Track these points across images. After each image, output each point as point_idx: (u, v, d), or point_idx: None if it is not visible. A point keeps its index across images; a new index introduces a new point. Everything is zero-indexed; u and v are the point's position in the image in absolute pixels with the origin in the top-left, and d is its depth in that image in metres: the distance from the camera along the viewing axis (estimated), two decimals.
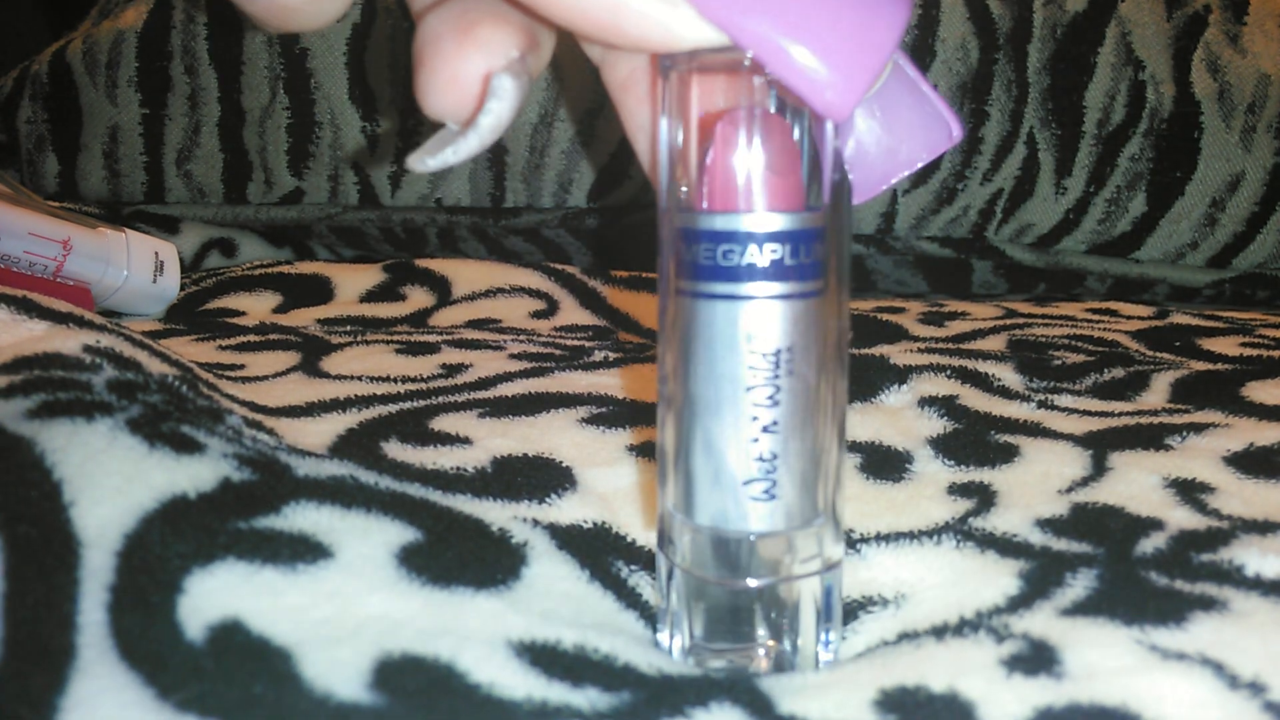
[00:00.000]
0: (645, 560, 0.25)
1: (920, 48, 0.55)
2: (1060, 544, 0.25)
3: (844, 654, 0.23)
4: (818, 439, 0.20)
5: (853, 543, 0.26)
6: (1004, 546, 0.25)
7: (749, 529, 0.20)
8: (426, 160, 0.20)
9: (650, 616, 0.24)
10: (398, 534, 0.23)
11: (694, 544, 0.21)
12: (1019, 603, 0.23)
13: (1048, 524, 0.26)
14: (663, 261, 0.21)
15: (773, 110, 0.20)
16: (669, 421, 0.21)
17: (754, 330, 0.19)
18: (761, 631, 0.21)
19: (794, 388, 0.20)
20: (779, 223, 0.19)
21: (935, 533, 0.26)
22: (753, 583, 0.21)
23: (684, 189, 0.20)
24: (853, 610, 0.24)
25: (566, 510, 0.26)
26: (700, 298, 0.20)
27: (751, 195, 0.19)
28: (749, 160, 0.19)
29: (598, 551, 0.25)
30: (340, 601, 0.21)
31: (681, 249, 0.20)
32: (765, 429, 0.20)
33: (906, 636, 0.22)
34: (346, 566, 0.22)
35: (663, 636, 0.22)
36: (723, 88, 0.20)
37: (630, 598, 0.24)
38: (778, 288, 0.19)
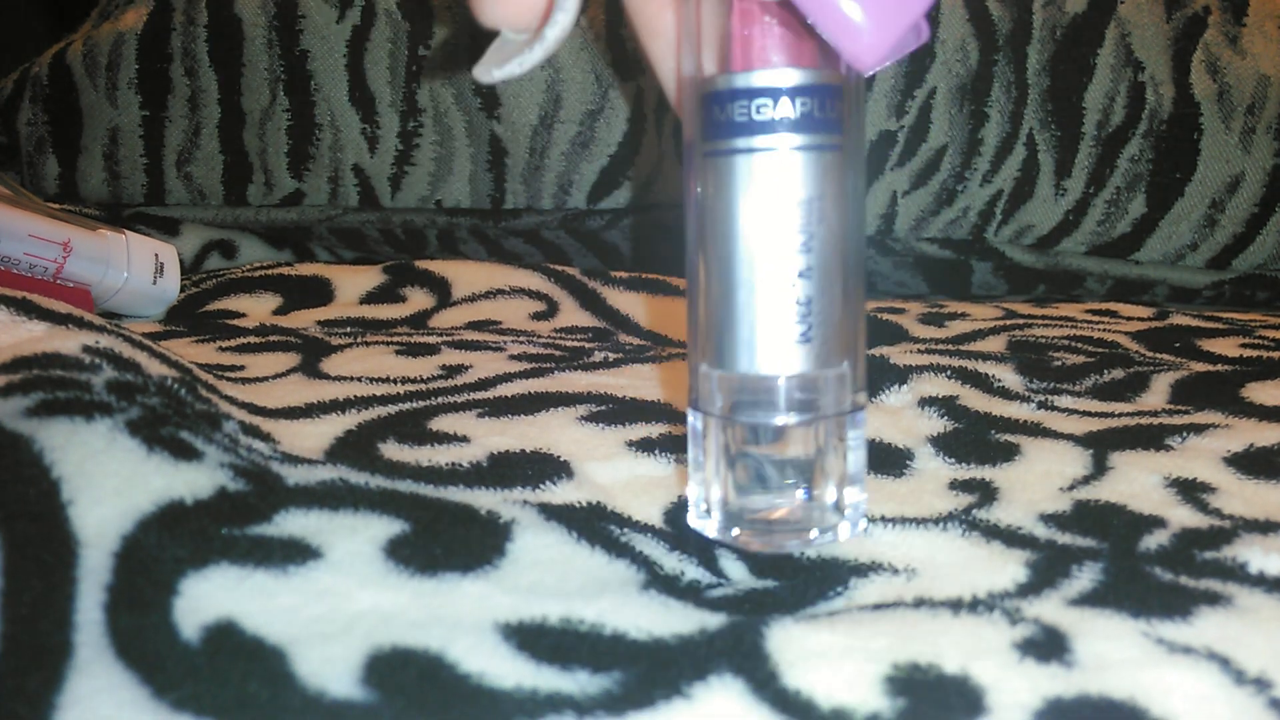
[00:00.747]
0: (642, 528, 0.25)
1: (920, 49, 0.55)
2: (1065, 538, 0.25)
3: (856, 610, 0.22)
4: (845, 285, 0.22)
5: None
6: (1009, 537, 0.25)
7: (788, 370, 0.21)
8: (493, 71, 0.21)
9: (640, 559, 0.24)
10: (385, 528, 0.23)
11: (731, 392, 0.22)
12: (1028, 589, 0.23)
13: (1051, 519, 0.26)
14: (688, 133, 0.22)
15: None
16: (702, 282, 0.22)
17: (792, 178, 0.21)
18: (793, 480, 0.22)
19: (824, 235, 0.21)
20: (806, 78, 0.21)
21: (941, 520, 0.26)
22: (791, 419, 0.22)
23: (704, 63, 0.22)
24: (863, 570, 0.24)
25: (560, 494, 0.26)
26: (736, 154, 0.21)
27: (779, 54, 0.21)
28: (773, 22, 0.21)
29: (589, 520, 0.25)
30: (331, 599, 0.21)
31: (715, 111, 0.21)
32: (801, 274, 0.21)
33: (923, 603, 0.22)
34: (336, 565, 0.22)
35: (694, 518, 0.23)
36: None
37: (619, 548, 0.24)
38: (806, 139, 0.21)
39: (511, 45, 0.22)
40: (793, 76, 0.21)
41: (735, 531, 0.23)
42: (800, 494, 0.22)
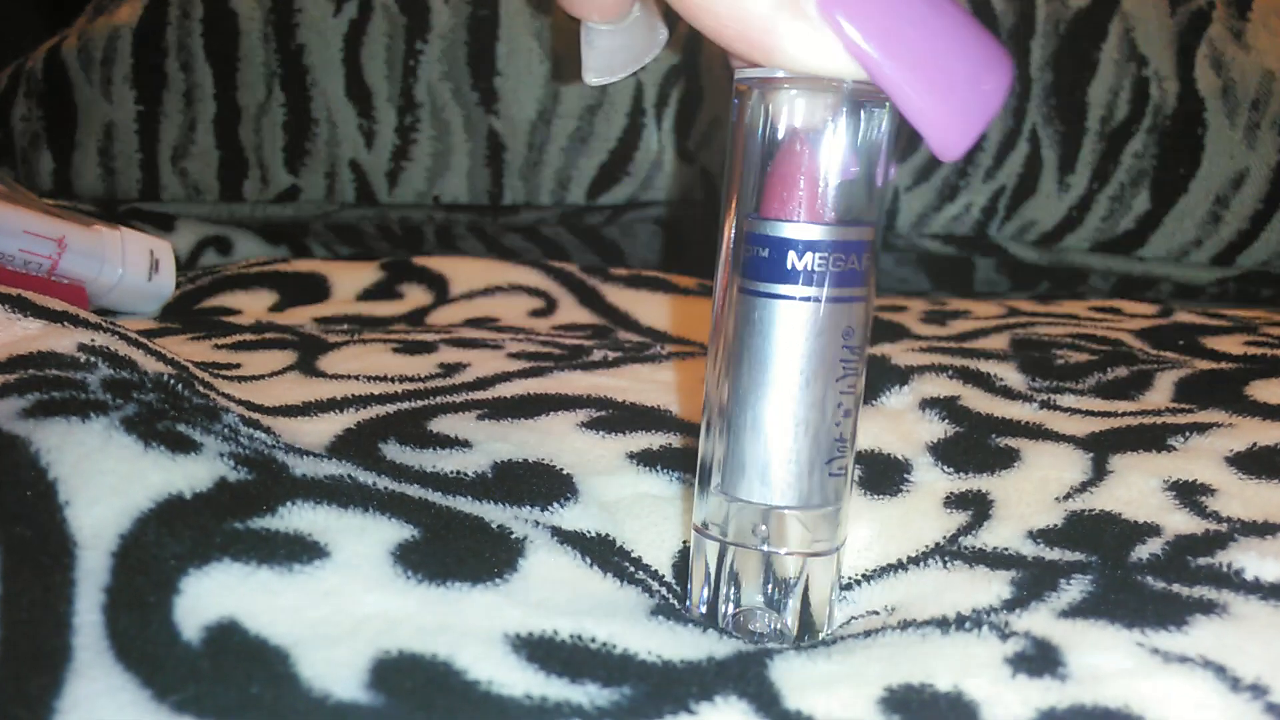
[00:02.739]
0: (650, 571, 0.25)
1: None
2: (1053, 554, 0.25)
3: (848, 641, 0.23)
4: (850, 430, 0.23)
5: (841, 589, 0.26)
6: (993, 560, 0.25)
7: (828, 503, 0.23)
8: (605, 78, 0.22)
9: (650, 589, 0.24)
10: (394, 532, 0.23)
11: (750, 520, 0.23)
12: (1014, 604, 0.23)
13: (1040, 535, 0.26)
14: (723, 270, 0.23)
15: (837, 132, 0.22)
16: (731, 402, 0.23)
17: (850, 326, 0.22)
18: (791, 602, 0.23)
19: (858, 379, 0.23)
20: (867, 234, 0.22)
21: (921, 558, 0.26)
22: (821, 545, 0.23)
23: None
24: (847, 621, 0.24)
25: (569, 518, 0.26)
26: (805, 301, 0.22)
27: (848, 209, 0.22)
28: (836, 178, 0.22)
29: (601, 550, 0.25)
30: (337, 601, 0.21)
31: (776, 251, 0.22)
32: (846, 413, 0.22)
33: (909, 625, 0.23)
34: (343, 566, 0.22)
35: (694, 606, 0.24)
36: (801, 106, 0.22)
37: (629, 577, 0.24)
38: (863, 290, 0.22)
39: (603, 38, 0.21)
40: (861, 233, 0.22)
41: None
42: (795, 615, 0.23)
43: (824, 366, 0.22)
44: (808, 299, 0.22)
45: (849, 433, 0.23)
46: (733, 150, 0.22)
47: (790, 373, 0.22)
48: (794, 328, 0.22)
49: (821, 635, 0.24)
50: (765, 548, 0.23)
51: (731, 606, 0.23)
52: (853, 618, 0.25)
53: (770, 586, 0.23)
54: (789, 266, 0.22)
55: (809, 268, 0.21)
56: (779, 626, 0.23)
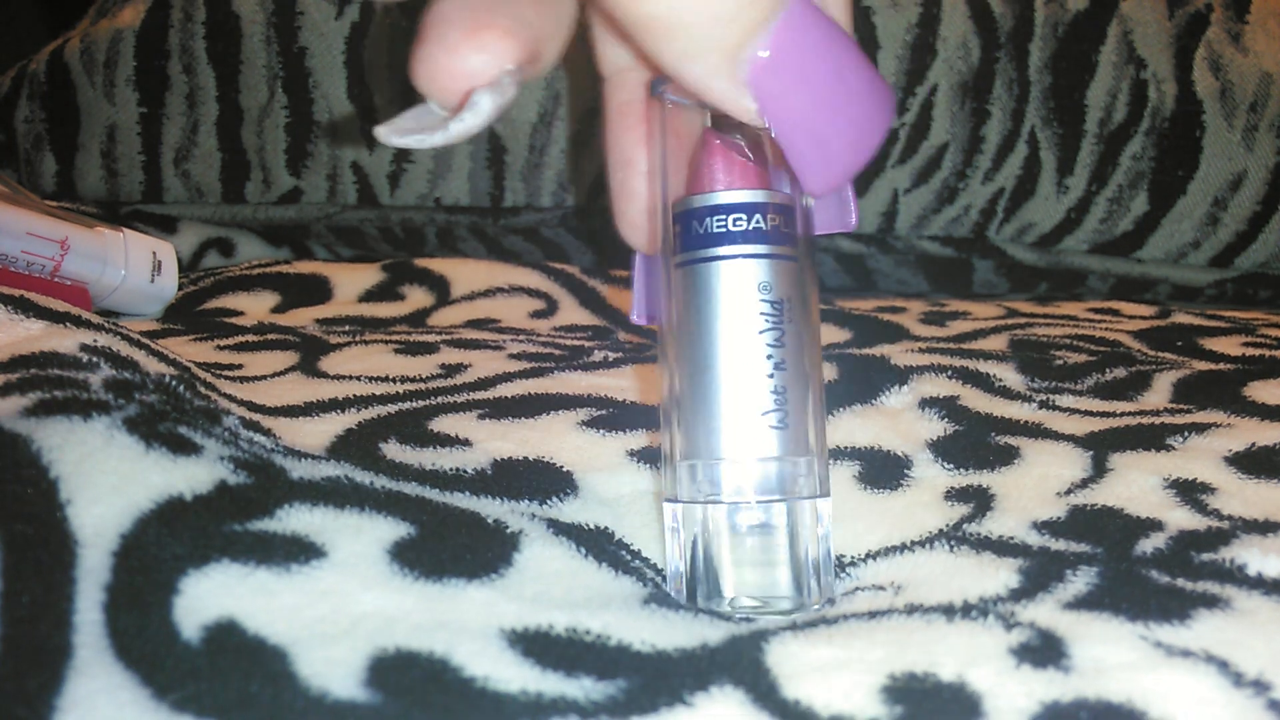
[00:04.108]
0: (651, 565, 0.25)
1: (921, 46, 0.55)
2: (1058, 544, 0.25)
3: (849, 622, 0.23)
4: (809, 381, 0.24)
5: (842, 565, 0.26)
6: (1000, 547, 0.25)
7: (766, 453, 0.23)
8: (393, 138, 0.22)
9: (645, 578, 0.24)
10: (391, 530, 0.23)
11: (709, 477, 0.24)
12: (1021, 594, 0.23)
13: (1045, 526, 0.26)
14: (663, 244, 0.25)
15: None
16: (677, 378, 0.24)
17: (765, 281, 0.24)
18: (776, 561, 0.24)
19: (793, 333, 0.24)
20: (775, 197, 0.24)
21: (928, 540, 0.26)
22: (763, 499, 0.24)
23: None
24: (851, 590, 0.24)
25: (567, 512, 0.26)
26: (716, 260, 0.24)
27: (749, 177, 0.24)
28: (735, 154, 0.25)
29: (597, 541, 0.25)
30: (334, 600, 0.21)
31: (693, 224, 0.24)
32: (777, 366, 0.23)
33: (915, 609, 0.22)
34: (340, 565, 0.22)
35: (677, 589, 0.24)
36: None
37: (624, 566, 0.24)
38: (775, 249, 0.24)
39: (428, 117, 0.22)
40: (765, 195, 0.24)
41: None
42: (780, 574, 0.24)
43: (740, 321, 0.23)
44: (715, 258, 0.24)
45: (785, 385, 0.23)
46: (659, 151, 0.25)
47: (709, 331, 0.24)
48: (708, 288, 0.24)
49: (815, 604, 0.24)
50: (718, 499, 0.24)
51: (721, 587, 0.24)
52: (857, 589, 0.25)
53: (739, 541, 0.24)
54: (699, 232, 0.24)
55: (709, 230, 0.24)
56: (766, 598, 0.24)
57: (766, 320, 0.23)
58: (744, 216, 0.24)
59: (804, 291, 0.24)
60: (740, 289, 0.24)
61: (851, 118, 0.23)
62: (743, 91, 0.22)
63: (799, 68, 0.22)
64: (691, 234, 0.24)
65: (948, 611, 0.22)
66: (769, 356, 0.23)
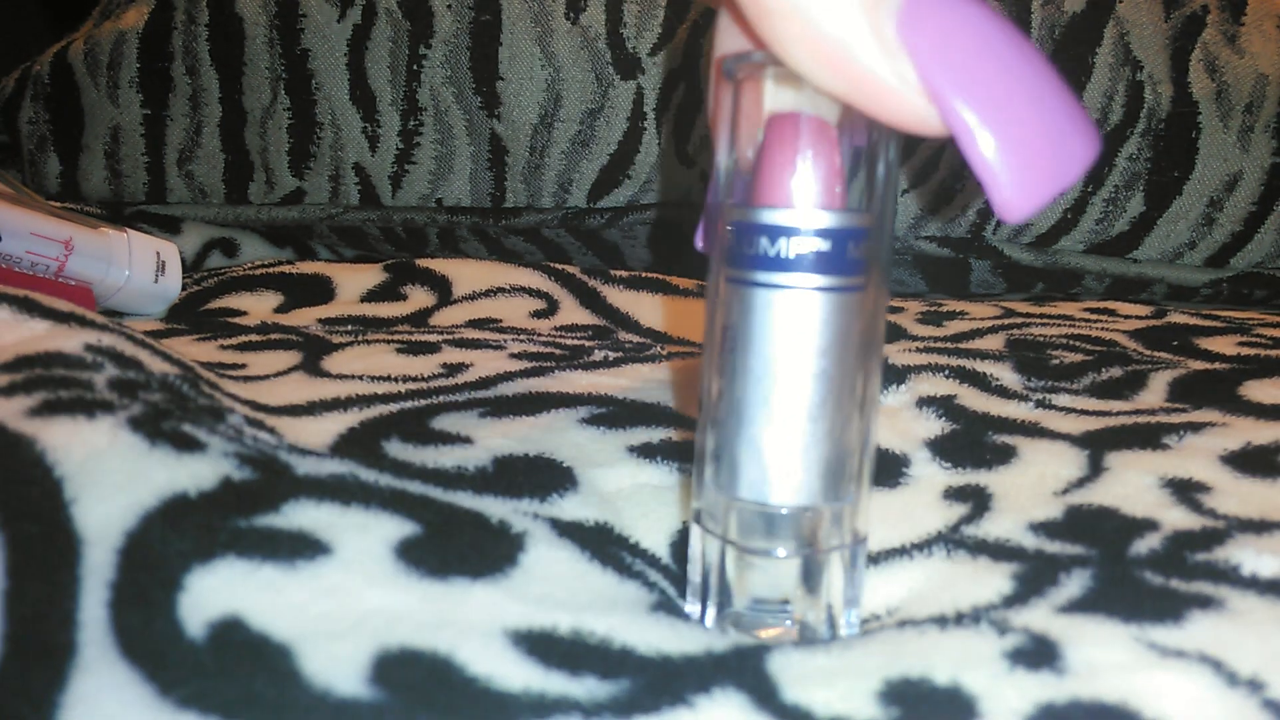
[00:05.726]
0: (649, 558, 0.26)
1: None
2: (1054, 546, 0.25)
3: (846, 635, 0.23)
4: (850, 425, 0.22)
5: None
6: (996, 551, 0.25)
7: (789, 502, 0.22)
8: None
9: (650, 583, 0.24)
10: (396, 528, 0.23)
11: (737, 518, 0.22)
12: (1014, 600, 0.23)
13: (1041, 527, 0.26)
14: (715, 244, 0.22)
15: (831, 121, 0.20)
16: (719, 399, 0.22)
17: (826, 317, 0.21)
18: (791, 602, 0.23)
19: (847, 370, 0.21)
20: (852, 219, 0.20)
21: (926, 545, 0.26)
22: (782, 552, 0.22)
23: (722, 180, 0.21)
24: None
25: (568, 509, 0.27)
26: (769, 288, 0.21)
27: (808, 193, 0.20)
28: (820, 162, 0.20)
29: (600, 541, 0.25)
30: (339, 597, 0.21)
31: (748, 239, 0.21)
32: (827, 408, 0.21)
33: (909, 623, 0.23)
34: (345, 562, 0.22)
35: (692, 608, 0.23)
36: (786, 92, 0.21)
37: (629, 571, 0.24)
38: (841, 280, 0.20)
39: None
40: (826, 218, 0.20)
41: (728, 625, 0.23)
42: (797, 617, 0.23)
43: (792, 359, 0.21)
44: (769, 285, 0.21)
45: (836, 429, 0.22)
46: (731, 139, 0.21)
47: (755, 364, 0.21)
48: (758, 318, 0.21)
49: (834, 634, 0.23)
50: (754, 549, 0.22)
51: (736, 604, 0.23)
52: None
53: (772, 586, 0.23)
54: (751, 253, 0.21)
55: (764, 253, 0.21)
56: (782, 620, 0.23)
57: (820, 361, 0.21)
58: (809, 241, 0.20)
59: (870, 323, 0.21)
60: (795, 327, 0.21)
61: (1051, 102, 0.18)
62: (896, 51, 0.18)
63: (960, 15, 0.18)
64: (743, 250, 0.21)
65: (940, 621, 0.22)
66: (820, 401, 0.21)
